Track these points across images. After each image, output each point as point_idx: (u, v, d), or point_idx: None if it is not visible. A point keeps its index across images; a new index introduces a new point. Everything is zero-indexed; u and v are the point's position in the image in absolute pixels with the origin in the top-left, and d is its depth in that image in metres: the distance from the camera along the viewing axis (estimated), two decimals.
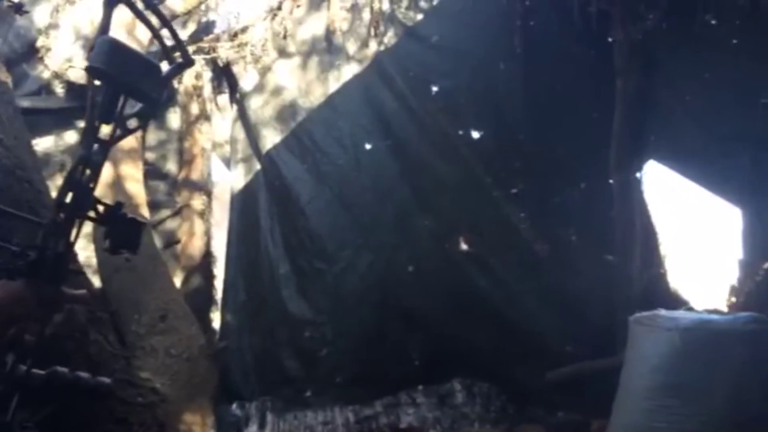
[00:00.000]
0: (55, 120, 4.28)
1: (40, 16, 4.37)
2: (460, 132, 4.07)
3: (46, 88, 4.32)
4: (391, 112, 4.25)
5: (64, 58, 4.32)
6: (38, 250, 1.00)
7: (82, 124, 4.28)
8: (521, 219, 3.70)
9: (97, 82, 1.06)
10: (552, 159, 3.71)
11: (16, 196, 2.18)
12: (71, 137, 4.33)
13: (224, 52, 4.78)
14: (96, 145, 1.04)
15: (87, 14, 4.33)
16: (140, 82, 1.04)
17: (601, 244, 3.46)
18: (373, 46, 4.45)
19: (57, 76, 4.29)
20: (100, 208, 1.05)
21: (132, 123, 1.08)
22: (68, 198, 1.01)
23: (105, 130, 1.09)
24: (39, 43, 4.31)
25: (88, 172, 1.02)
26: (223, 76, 4.98)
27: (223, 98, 5.12)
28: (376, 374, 3.82)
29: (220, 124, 5.09)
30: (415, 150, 4.13)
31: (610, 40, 3.55)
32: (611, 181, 3.46)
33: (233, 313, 4.23)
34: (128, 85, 1.03)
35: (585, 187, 3.62)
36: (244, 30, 4.84)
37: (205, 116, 4.86)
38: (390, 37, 4.44)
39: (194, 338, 3.18)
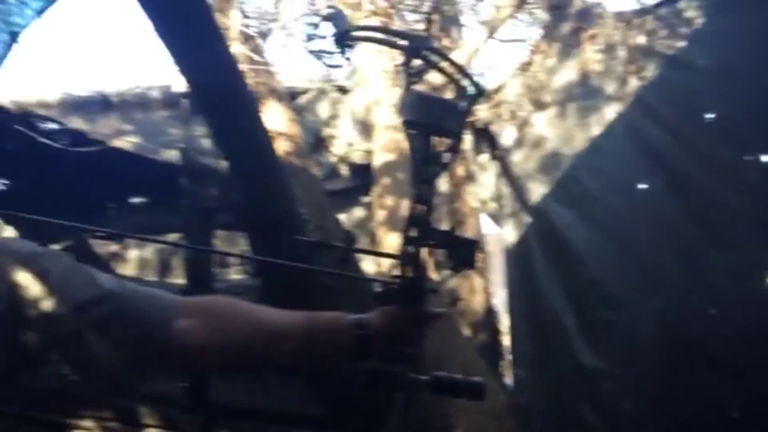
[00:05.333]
0: (343, 199, 4.79)
1: (323, 109, 5.01)
2: (746, 158, 3.72)
3: (332, 172, 4.89)
4: (662, 147, 4.05)
5: (346, 143, 4.88)
6: (401, 279, 1.17)
7: (365, 199, 4.75)
8: None
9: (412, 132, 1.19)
10: None
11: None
12: (358, 212, 4.83)
13: (482, 113, 4.99)
14: (422, 185, 1.16)
15: (360, 101, 4.83)
16: (445, 121, 1.15)
17: None
18: (632, 83, 4.33)
19: (341, 160, 4.85)
20: (438, 235, 1.19)
21: (445, 158, 1.18)
22: (412, 233, 1.16)
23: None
24: (324, 134, 4.94)
25: (422, 208, 1.16)
26: (482, 136, 5.20)
27: (483, 157, 5.33)
28: (685, 429, 3.54)
29: (484, 183, 5.29)
30: (695, 183, 3.86)
31: None
32: None
33: (524, 367, 4.26)
34: (436, 127, 1.15)
35: None
36: (498, 90, 5.01)
37: (470, 177, 5.09)
38: (650, 70, 4.29)
39: (497, 394, 3.26)
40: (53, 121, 4.35)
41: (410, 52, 1.29)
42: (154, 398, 3.38)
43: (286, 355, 1.29)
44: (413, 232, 1.16)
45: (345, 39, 1.31)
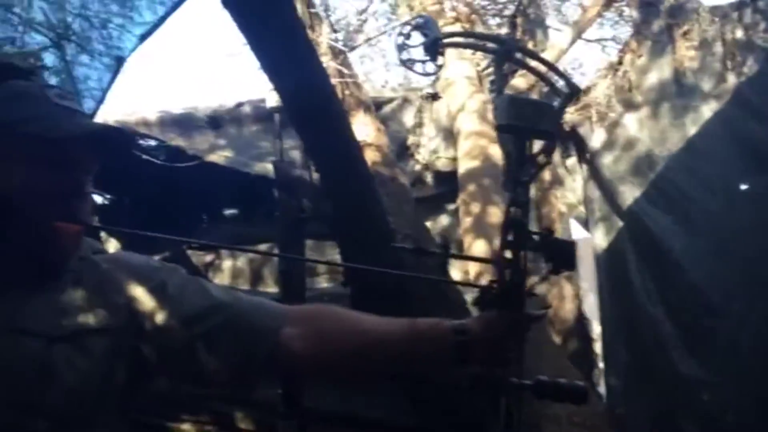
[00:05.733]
0: (428, 206, 4.80)
1: (407, 118, 5.06)
2: None
3: (418, 180, 4.91)
4: (764, 145, 3.85)
5: (431, 151, 4.90)
6: (499, 284, 1.15)
7: (451, 207, 4.75)
8: None
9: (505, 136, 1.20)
10: None
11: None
12: (444, 220, 4.84)
13: (569, 116, 4.89)
14: (518, 188, 1.16)
15: (445, 109, 4.84)
16: (539, 123, 1.14)
17: None
18: (731, 79, 4.15)
19: (426, 167, 4.87)
20: (535, 238, 1.18)
21: (541, 159, 1.18)
22: (509, 237, 1.15)
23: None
24: (409, 142, 4.98)
25: (518, 211, 1.14)
26: (570, 139, 5.09)
27: (571, 160, 5.22)
28: None
29: (571, 186, 5.18)
30: None
31: None
32: None
33: (618, 376, 4.13)
34: (530, 129, 1.15)
35: None
36: (586, 91, 4.90)
37: (557, 181, 5.00)
38: (750, 66, 4.10)
39: (593, 405, 3.19)
40: (153, 138, 4.60)
41: (502, 55, 1.29)
42: (250, 404, 3.50)
43: (389, 362, 1.31)
44: (510, 236, 1.15)
45: (436, 46, 1.32)
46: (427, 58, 1.35)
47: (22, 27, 3.38)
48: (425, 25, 1.37)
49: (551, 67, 1.46)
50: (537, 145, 1.21)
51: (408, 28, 1.40)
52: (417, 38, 1.37)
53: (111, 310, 1.17)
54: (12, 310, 1.10)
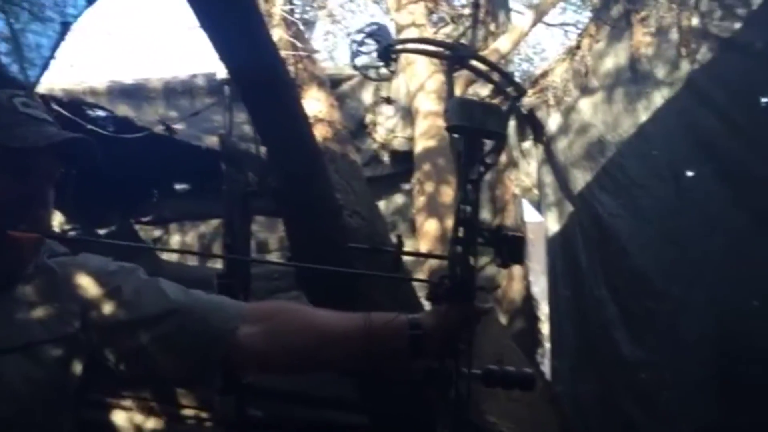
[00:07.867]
0: (383, 185, 4.80)
1: (366, 96, 5.02)
2: None
3: (374, 159, 4.90)
4: (714, 134, 3.89)
5: (388, 130, 4.88)
6: (450, 279, 1.19)
7: (407, 186, 4.75)
8: None
9: (456, 136, 1.24)
10: None
11: (377, 259, 2.46)
12: (399, 199, 4.84)
13: (526, 99, 4.91)
14: (468, 186, 1.19)
15: (404, 88, 4.81)
16: (488, 124, 1.19)
17: None
18: (684, 67, 4.18)
19: (383, 146, 4.86)
20: (485, 233, 1.22)
21: (489, 159, 1.22)
22: (459, 233, 1.18)
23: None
24: (366, 120, 4.95)
25: (468, 209, 1.18)
26: (526, 122, 5.12)
27: (527, 144, 5.26)
28: (730, 423, 3.45)
29: (526, 170, 5.22)
30: (747, 171, 3.71)
31: None
32: None
33: (563, 357, 4.21)
34: (480, 130, 1.19)
35: None
36: (544, 75, 4.93)
37: (512, 163, 5.03)
38: (704, 54, 4.13)
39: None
40: (102, 108, 4.47)
41: (453, 61, 1.31)
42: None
43: (345, 359, 1.33)
44: (460, 233, 1.17)
45: (389, 53, 1.34)
46: (381, 63, 1.38)
47: None
48: (378, 33, 1.39)
49: (501, 72, 1.51)
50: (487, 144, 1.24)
51: (361, 35, 1.42)
52: (372, 44, 1.39)
53: (65, 318, 1.17)
54: None
